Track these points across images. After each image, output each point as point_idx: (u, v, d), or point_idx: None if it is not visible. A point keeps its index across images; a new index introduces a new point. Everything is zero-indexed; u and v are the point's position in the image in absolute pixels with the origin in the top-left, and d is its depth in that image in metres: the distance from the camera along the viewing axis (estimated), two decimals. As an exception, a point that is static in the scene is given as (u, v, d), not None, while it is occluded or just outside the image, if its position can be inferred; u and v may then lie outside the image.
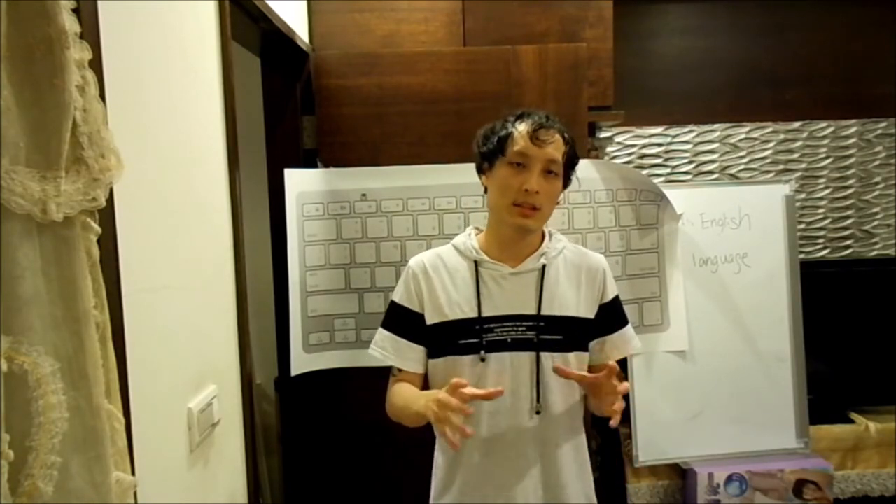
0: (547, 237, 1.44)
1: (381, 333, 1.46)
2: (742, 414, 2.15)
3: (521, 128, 1.35)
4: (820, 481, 2.13)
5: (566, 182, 1.40)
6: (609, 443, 2.28)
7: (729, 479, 2.11)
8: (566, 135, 1.38)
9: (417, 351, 1.43)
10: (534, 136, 1.32)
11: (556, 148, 1.34)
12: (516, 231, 1.37)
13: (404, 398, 1.37)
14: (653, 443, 2.12)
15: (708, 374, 2.13)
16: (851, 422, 2.35)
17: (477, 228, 1.49)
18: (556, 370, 1.32)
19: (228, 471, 1.38)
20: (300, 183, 1.93)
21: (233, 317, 1.43)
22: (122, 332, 0.91)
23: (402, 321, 1.44)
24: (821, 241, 2.74)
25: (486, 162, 1.40)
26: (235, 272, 1.43)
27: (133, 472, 0.86)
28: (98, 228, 0.78)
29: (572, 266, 1.43)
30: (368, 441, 2.08)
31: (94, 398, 0.73)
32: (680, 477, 2.21)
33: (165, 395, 1.10)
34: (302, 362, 1.90)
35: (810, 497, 2.13)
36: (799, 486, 2.13)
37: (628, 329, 1.49)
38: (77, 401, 0.72)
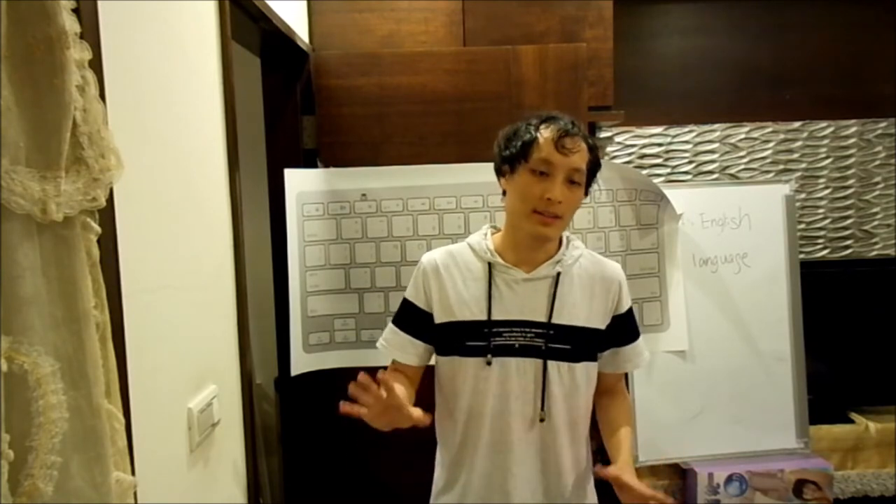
0: (564, 243, 1.41)
1: (388, 327, 1.47)
2: (742, 414, 2.15)
3: (546, 134, 1.30)
4: (820, 481, 2.13)
5: (586, 191, 1.37)
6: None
7: (729, 479, 2.11)
8: (590, 142, 1.34)
9: (418, 346, 1.43)
10: (559, 143, 1.28)
11: (580, 157, 1.30)
12: (534, 238, 1.35)
13: None
14: (653, 443, 2.12)
15: (708, 374, 2.13)
16: (851, 422, 2.35)
17: (494, 227, 1.46)
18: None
19: (228, 471, 1.38)
20: (300, 183, 1.93)
21: (233, 317, 1.43)
22: (122, 332, 0.91)
23: (407, 316, 1.44)
24: (821, 241, 2.74)
25: (506, 165, 1.35)
26: (235, 272, 1.43)
27: (133, 472, 0.86)
28: (98, 228, 0.78)
29: (587, 275, 1.40)
30: (369, 441, 2.07)
31: (94, 398, 0.73)
32: (680, 477, 2.21)
33: (165, 395, 1.10)
34: (302, 362, 1.90)
35: (810, 497, 2.13)
36: (799, 486, 2.13)
37: (640, 342, 1.48)
38: (77, 401, 0.72)
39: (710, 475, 2.11)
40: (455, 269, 1.40)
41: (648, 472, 2.21)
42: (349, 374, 1.96)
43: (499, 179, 1.41)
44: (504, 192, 1.40)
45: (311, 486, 2.17)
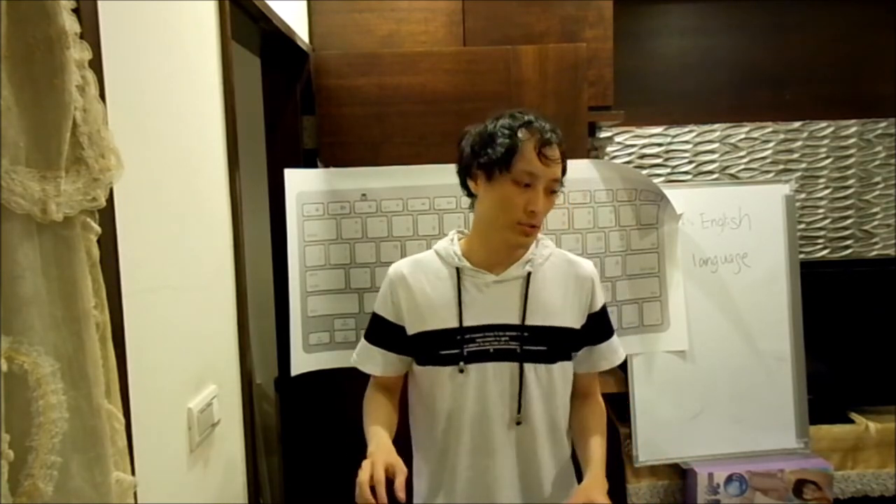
0: (533, 243, 1.38)
1: (360, 342, 1.46)
2: (742, 414, 2.15)
3: (528, 143, 1.26)
4: (820, 481, 2.13)
5: None
6: (609, 443, 2.27)
7: (729, 479, 2.11)
8: (563, 146, 1.31)
9: (390, 358, 1.41)
10: (541, 153, 1.26)
11: (559, 166, 1.30)
12: (511, 247, 1.34)
13: (368, 424, 1.36)
14: (653, 443, 2.12)
15: (708, 374, 2.13)
16: (851, 422, 2.34)
17: (460, 233, 1.43)
18: None
19: (228, 471, 1.38)
20: (300, 183, 1.93)
21: (233, 317, 1.43)
22: (122, 332, 0.91)
23: (378, 330, 1.42)
24: (821, 241, 2.74)
25: (481, 171, 1.30)
26: (235, 272, 1.43)
27: (133, 472, 0.86)
28: (98, 228, 0.78)
29: (560, 273, 1.38)
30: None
31: (94, 398, 0.73)
32: (680, 477, 2.21)
33: (165, 395, 1.10)
34: (302, 362, 1.90)
35: (810, 497, 2.13)
36: (799, 486, 2.13)
37: (615, 339, 1.46)
38: (77, 401, 0.72)
39: (710, 475, 2.11)
40: (423, 276, 1.37)
41: (648, 472, 2.20)
42: (349, 374, 1.97)
43: (465, 182, 1.36)
44: (471, 195, 1.37)
45: (311, 486, 2.17)
